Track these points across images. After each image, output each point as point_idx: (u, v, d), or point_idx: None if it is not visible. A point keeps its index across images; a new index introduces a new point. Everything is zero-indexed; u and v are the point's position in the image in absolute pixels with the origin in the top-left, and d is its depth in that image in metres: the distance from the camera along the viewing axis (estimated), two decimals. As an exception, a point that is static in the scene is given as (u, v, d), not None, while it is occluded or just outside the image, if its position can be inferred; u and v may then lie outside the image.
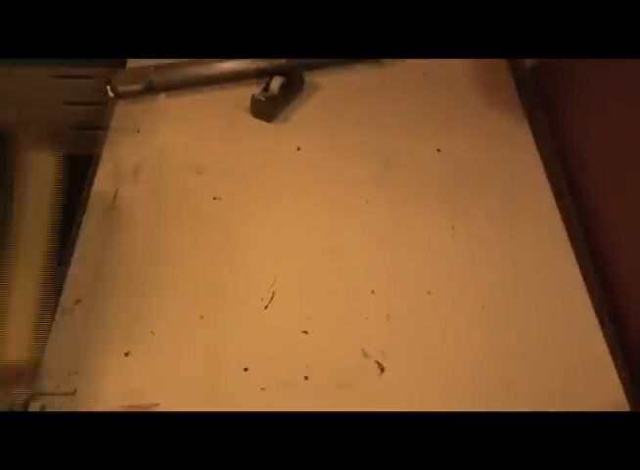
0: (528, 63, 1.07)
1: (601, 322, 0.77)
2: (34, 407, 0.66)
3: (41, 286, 0.74)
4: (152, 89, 0.96)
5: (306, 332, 0.74)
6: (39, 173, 0.84)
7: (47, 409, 0.66)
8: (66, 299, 0.75)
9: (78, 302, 0.74)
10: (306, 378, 0.71)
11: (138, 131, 0.92)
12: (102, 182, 0.86)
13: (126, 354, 0.71)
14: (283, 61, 0.98)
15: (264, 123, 0.95)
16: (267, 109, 0.95)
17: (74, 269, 0.77)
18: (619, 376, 0.72)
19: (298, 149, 0.92)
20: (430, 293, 0.78)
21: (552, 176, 0.90)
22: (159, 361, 0.71)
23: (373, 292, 0.77)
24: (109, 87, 0.95)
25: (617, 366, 0.73)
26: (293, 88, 0.98)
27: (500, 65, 1.06)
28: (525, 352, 0.74)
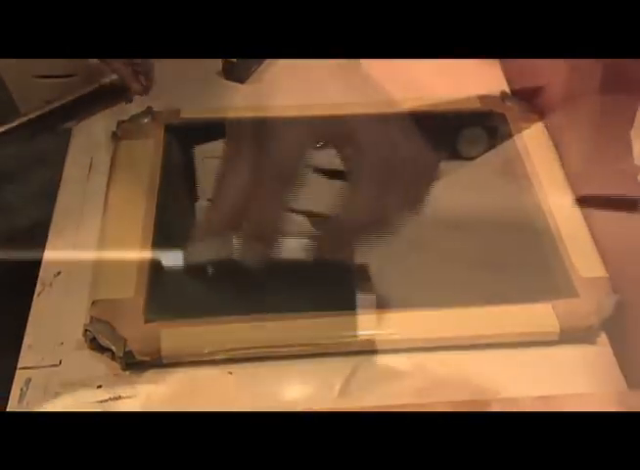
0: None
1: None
2: (20, 382, 0.65)
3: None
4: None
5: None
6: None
7: (32, 383, 0.65)
8: (45, 271, 0.73)
9: (58, 274, 0.73)
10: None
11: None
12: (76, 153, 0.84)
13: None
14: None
15: (238, 85, 0.93)
16: (239, 70, 0.93)
17: (53, 241, 0.76)
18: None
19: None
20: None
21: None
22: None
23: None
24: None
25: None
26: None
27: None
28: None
